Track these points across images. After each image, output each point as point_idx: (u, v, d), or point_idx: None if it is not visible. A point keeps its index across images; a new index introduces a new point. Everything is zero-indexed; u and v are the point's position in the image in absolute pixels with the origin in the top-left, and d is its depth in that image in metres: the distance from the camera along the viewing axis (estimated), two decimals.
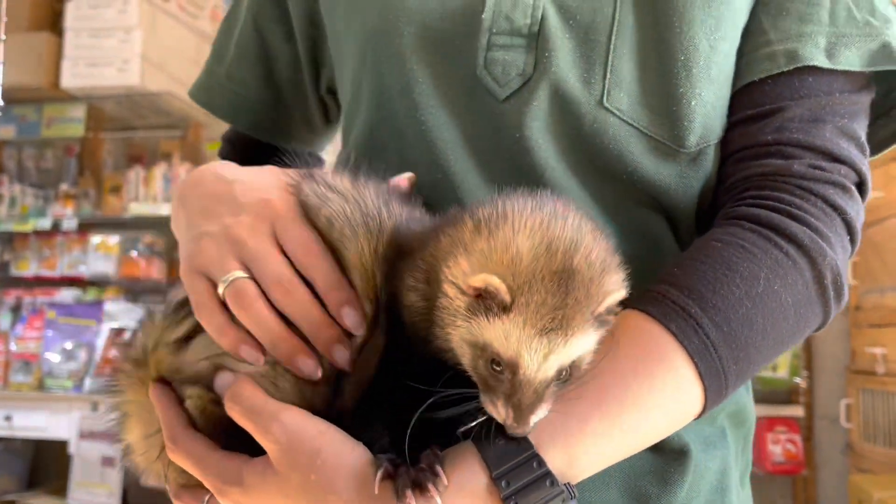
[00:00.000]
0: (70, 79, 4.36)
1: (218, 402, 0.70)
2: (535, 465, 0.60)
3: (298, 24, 0.99)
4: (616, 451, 0.66)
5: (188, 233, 0.73)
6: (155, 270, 4.48)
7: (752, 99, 0.78)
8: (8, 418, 4.09)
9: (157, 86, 4.40)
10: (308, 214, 0.71)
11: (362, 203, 0.71)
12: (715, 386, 0.67)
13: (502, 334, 0.59)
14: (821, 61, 0.76)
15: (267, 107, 1.05)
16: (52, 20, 4.68)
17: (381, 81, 0.82)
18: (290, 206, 0.70)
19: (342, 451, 0.62)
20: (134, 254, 4.58)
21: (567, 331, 0.58)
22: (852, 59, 0.77)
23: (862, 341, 3.77)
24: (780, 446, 3.88)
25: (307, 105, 1.06)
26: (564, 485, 0.61)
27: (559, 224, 0.61)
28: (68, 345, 4.32)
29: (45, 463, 4.54)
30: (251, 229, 0.69)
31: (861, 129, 0.79)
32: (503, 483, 0.60)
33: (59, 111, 4.66)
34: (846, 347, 4.04)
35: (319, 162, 1.18)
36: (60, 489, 4.16)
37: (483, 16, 0.77)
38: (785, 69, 0.76)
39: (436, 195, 0.77)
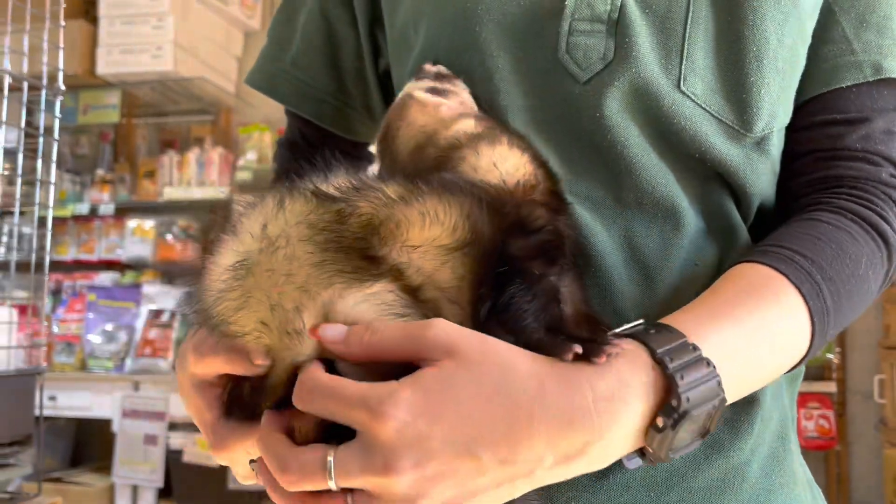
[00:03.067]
0: (105, 66, 4.44)
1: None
2: (691, 348, 0.65)
3: (359, 6, 1.01)
4: (747, 378, 0.72)
5: None
6: (191, 253, 4.56)
7: (837, 104, 0.86)
8: (52, 398, 4.20)
9: (190, 71, 4.46)
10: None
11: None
12: (815, 347, 0.76)
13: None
14: None
15: (331, 95, 1.08)
16: (85, 9, 4.76)
17: (456, 70, 0.85)
18: None
19: (499, 342, 0.62)
20: (169, 237, 4.67)
21: None
22: None
23: (895, 317, 3.76)
24: (813, 422, 3.89)
25: (368, 93, 1.07)
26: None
27: None
28: (109, 326, 4.43)
29: (89, 441, 4.67)
30: None
31: None
32: (668, 359, 0.64)
33: (95, 98, 4.76)
34: (879, 323, 4.03)
35: (369, 156, 1.17)
36: (104, 467, 4.28)
37: (566, 2, 0.81)
38: (871, 79, 0.85)
39: None
